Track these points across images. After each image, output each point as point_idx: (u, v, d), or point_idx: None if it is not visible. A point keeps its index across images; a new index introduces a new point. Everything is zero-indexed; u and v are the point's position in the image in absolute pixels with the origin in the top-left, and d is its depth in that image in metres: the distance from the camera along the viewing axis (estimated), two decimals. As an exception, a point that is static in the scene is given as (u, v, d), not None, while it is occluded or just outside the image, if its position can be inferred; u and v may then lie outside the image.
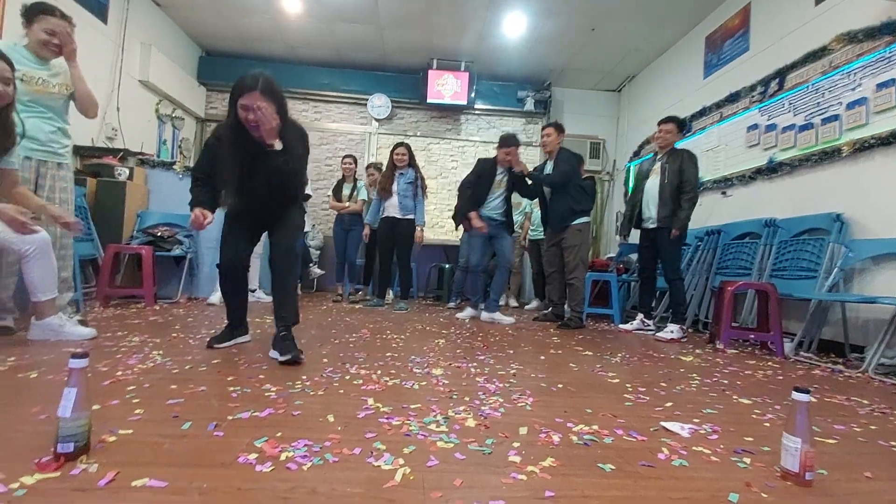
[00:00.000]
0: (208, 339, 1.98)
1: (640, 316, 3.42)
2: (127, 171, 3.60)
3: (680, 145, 3.37)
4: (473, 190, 3.52)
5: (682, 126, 3.36)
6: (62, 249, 2.28)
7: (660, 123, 3.34)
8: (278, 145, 1.77)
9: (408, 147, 4.11)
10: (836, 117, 2.94)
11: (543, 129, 3.70)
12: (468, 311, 3.64)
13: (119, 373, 1.48)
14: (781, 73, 3.44)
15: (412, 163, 4.10)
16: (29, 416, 1.08)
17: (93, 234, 3.30)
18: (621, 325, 3.57)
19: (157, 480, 0.80)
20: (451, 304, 4.51)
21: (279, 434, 1.04)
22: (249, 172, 1.81)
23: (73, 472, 0.82)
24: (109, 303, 3.19)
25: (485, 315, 3.51)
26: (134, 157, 3.84)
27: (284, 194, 1.92)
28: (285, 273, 1.89)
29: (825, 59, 3.07)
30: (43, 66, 2.13)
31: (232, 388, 1.38)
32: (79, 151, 3.55)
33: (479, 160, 3.66)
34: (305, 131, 1.95)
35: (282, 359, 1.72)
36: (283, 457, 0.93)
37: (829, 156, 2.95)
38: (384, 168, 4.28)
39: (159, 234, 3.60)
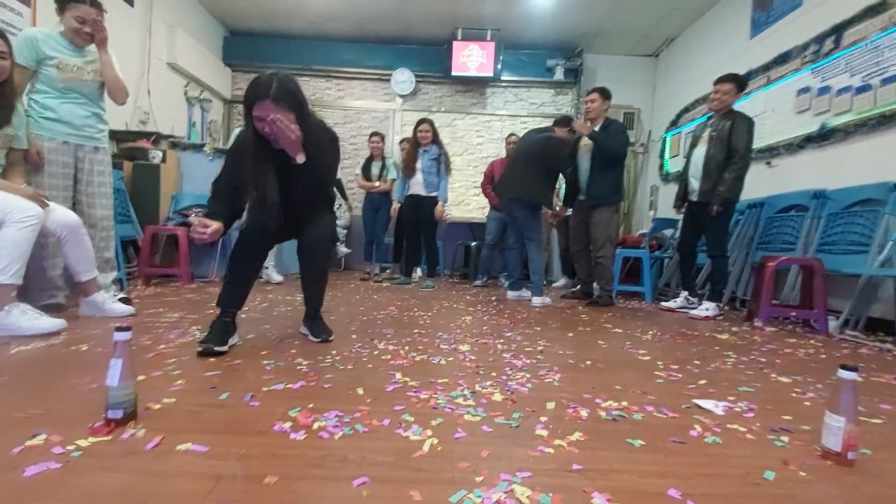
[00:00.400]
0: (199, 344, 1.51)
1: (685, 293, 3.26)
2: (160, 154, 3.70)
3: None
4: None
5: (743, 86, 3.05)
6: (103, 231, 2.38)
7: (716, 83, 3.02)
8: (301, 158, 1.61)
9: (431, 123, 4.04)
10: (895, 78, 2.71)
11: (588, 93, 3.47)
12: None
13: (161, 346, 1.56)
14: (838, 30, 3.15)
15: (436, 139, 4.04)
16: (81, 385, 1.16)
17: (132, 216, 3.42)
18: (664, 304, 3.39)
19: (198, 445, 0.85)
20: (478, 282, 4.50)
21: (311, 405, 1.08)
22: (274, 185, 1.65)
23: (123, 437, 0.87)
24: (150, 281, 3.34)
25: (511, 294, 3.47)
26: (166, 140, 3.93)
27: (313, 206, 1.78)
28: (313, 265, 1.80)
29: (886, 13, 2.81)
30: (78, 53, 2.19)
31: (266, 362, 1.43)
32: (114, 136, 3.64)
33: (558, 140, 3.40)
34: (335, 133, 1.79)
35: (313, 339, 1.77)
36: (315, 426, 0.96)
37: (888, 120, 2.72)
38: None
39: (192, 215, 3.71)
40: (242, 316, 2.15)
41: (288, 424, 0.96)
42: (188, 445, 0.84)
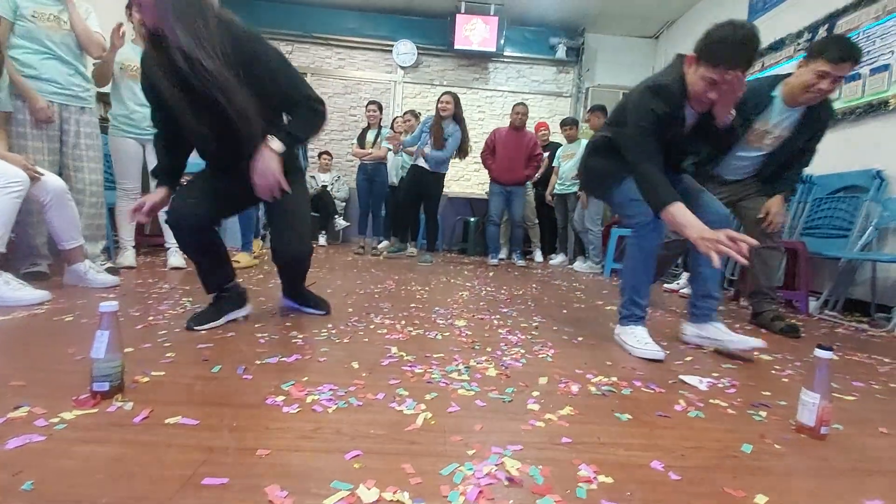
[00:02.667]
0: (189, 320, 1.47)
1: (687, 276, 3.17)
2: (151, 118, 3.59)
3: None
4: (656, 145, 1.47)
5: None
6: (93, 197, 2.33)
7: None
8: (182, 41, 1.19)
9: (454, 97, 3.80)
10: (885, 67, 2.75)
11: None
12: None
13: (150, 318, 1.55)
14: (831, 19, 3.19)
15: (457, 117, 3.81)
16: (65, 356, 1.14)
17: (122, 182, 3.34)
18: (667, 286, 3.28)
19: (188, 419, 0.85)
20: (494, 261, 4.31)
21: (305, 378, 1.09)
22: (187, 108, 1.32)
23: (109, 409, 0.87)
24: (140, 251, 3.30)
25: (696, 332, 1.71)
26: (157, 103, 3.81)
27: (237, 132, 1.35)
28: (295, 276, 1.69)
29: (879, 3, 2.85)
30: (52, 2, 2.07)
31: (260, 335, 1.43)
32: (102, 98, 3.51)
33: (651, 88, 1.49)
34: (252, 34, 1.34)
35: (315, 312, 1.77)
36: (309, 399, 0.97)
37: (875, 109, 2.78)
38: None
39: (185, 182, 3.63)
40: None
41: (281, 398, 0.96)
42: (178, 418, 0.84)
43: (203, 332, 1.44)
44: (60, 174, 2.12)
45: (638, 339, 1.51)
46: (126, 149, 2.57)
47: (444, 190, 5.70)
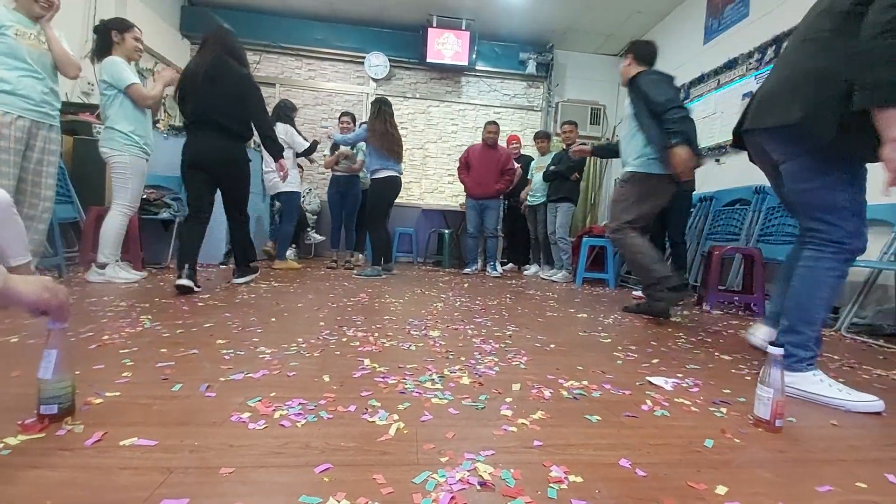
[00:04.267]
0: None
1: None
2: (106, 129, 3.47)
3: None
4: None
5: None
6: (45, 213, 2.29)
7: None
8: None
9: (373, 103, 3.81)
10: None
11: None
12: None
13: (105, 337, 1.47)
14: (778, 40, 3.41)
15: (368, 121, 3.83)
16: (10, 379, 1.07)
17: (72, 195, 3.19)
18: (636, 293, 3.27)
19: (146, 440, 0.80)
20: (468, 270, 4.60)
21: (273, 394, 1.06)
22: None
23: (58, 433, 0.81)
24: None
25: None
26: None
27: None
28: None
29: None
30: (32, 24, 2.16)
31: (224, 351, 1.38)
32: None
33: None
34: None
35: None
36: (276, 415, 0.94)
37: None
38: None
39: (145, 196, 3.51)
40: (200, 305, 2.10)
41: (247, 414, 0.93)
42: (134, 440, 0.80)
43: (164, 350, 1.38)
44: (17, 188, 2.06)
45: (844, 391, 1.20)
46: (144, 170, 2.69)
47: (418, 202, 5.81)
